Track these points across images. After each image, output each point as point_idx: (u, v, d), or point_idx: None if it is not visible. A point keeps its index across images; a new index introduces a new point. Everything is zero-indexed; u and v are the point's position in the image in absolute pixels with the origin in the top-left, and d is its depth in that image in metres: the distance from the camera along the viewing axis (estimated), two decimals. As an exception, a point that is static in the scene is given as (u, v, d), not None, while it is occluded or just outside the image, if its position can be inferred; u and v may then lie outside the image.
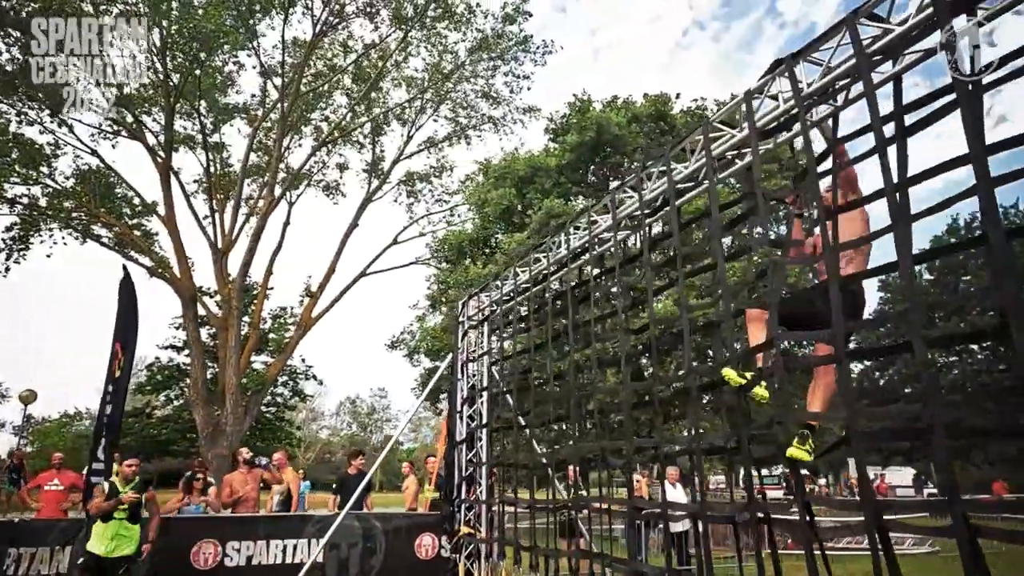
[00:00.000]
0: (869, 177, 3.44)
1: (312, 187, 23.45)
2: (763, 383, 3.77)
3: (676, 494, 9.85)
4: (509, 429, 8.54)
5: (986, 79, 3.02)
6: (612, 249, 6.25)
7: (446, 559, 8.98)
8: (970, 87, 3.00)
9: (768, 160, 4.81)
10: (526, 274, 7.82)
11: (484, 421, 9.07)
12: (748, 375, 3.84)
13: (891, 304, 29.23)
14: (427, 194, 23.83)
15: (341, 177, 23.84)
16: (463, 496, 8.79)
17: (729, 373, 3.84)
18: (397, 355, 24.50)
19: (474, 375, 9.49)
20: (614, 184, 20.18)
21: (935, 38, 3.39)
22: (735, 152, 4.71)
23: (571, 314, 6.52)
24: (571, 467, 9.12)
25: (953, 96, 3.07)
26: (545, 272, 7.37)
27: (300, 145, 22.70)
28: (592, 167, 20.19)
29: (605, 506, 5.89)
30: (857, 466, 3.19)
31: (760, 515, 3.77)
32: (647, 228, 5.42)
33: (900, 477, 33.24)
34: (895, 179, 3.23)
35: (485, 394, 9.20)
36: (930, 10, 3.26)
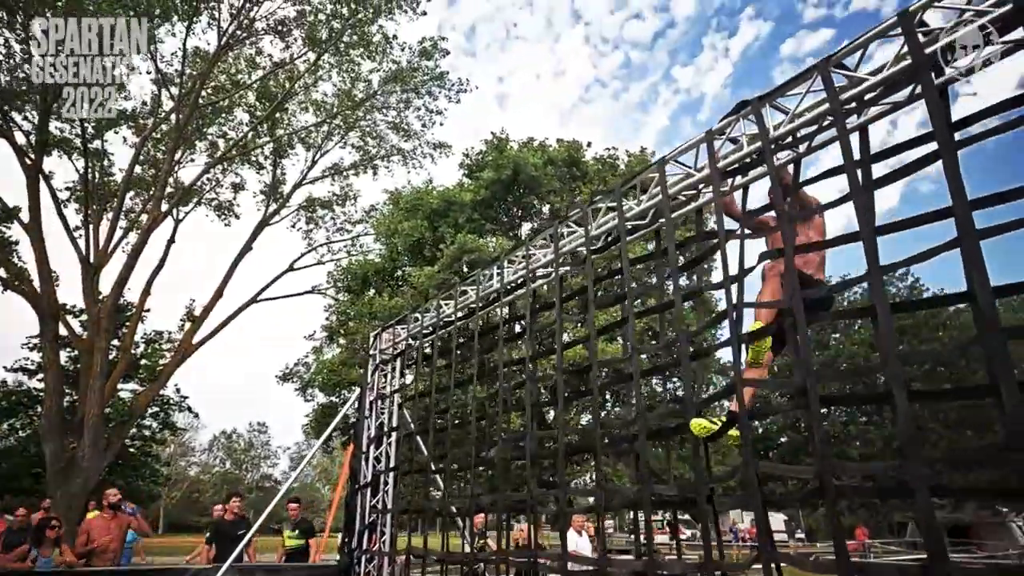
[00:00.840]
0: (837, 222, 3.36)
1: (203, 205, 21.88)
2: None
3: (582, 543, 9.50)
4: (419, 473, 7.94)
5: (962, 134, 3.03)
6: (548, 285, 5.99)
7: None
8: (952, 139, 2.99)
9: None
10: (449, 307, 7.39)
11: (392, 464, 8.41)
12: (718, 421, 3.63)
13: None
14: (328, 222, 22.96)
15: (235, 197, 22.45)
16: (364, 546, 8.03)
17: (698, 424, 3.60)
18: (286, 389, 22.98)
19: (383, 413, 8.84)
20: (535, 225, 20.27)
21: (906, 91, 3.42)
22: (690, 193, 4.61)
23: (500, 350, 6.15)
24: (477, 516, 8.60)
25: (933, 146, 3.05)
26: (472, 306, 6.97)
27: (193, 160, 21.20)
28: (506, 205, 20.19)
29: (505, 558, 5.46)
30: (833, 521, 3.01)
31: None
32: (591, 264, 5.20)
33: (772, 522, 34.88)
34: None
35: (394, 435, 8.57)
36: (905, 63, 3.27)
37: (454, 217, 18.97)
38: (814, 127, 3.80)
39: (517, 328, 6.73)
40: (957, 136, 3.00)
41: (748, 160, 4.10)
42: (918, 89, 3.30)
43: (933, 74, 3.14)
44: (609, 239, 5.35)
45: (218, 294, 19.66)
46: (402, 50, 19.71)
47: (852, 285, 3.32)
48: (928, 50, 3.15)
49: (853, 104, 3.54)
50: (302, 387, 20.56)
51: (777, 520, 36.37)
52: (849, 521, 31.64)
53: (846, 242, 3.30)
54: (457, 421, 7.13)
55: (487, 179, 18.84)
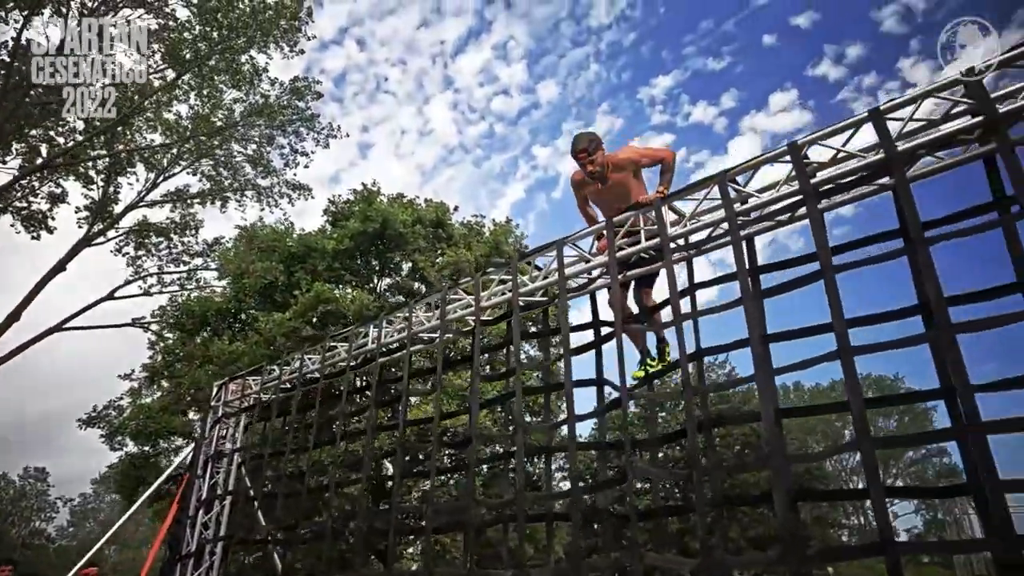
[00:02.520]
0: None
1: (9, 214, 19.09)
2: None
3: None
4: (258, 544, 7.18)
5: (841, 259, 3.43)
6: (429, 350, 5.83)
7: None
8: (831, 265, 3.36)
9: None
10: (314, 362, 6.92)
11: (223, 532, 7.52)
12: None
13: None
14: (163, 250, 20.90)
15: (52, 210, 19.83)
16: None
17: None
18: (84, 434, 19.94)
19: (218, 473, 7.94)
20: (395, 280, 19.85)
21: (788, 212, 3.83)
22: (581, 280, 4.77)
23: (373, 413, 5.82)
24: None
25: (816, 266, 3.41)
26: (342, 364, 6.57)
27: (4, 162, 18.56)
28: (367, 258, 19.64)
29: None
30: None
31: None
32: (479, 333, 5.14)
33: None
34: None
35: (229, 499, 7.70)
36: (793, 187, 3.68)
37: (313, 263, 18.10)
38: (706, 232, 4.12)
39: (392, 390, 6.46)
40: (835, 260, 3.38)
41: (647, 255, 4.34)
42: (801, 211, 3.71)
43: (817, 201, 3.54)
44: (500, 312, 5.36)
45: (14, 316, 17.05)
46: (272, 85, 19.01)
47: (740, 384, 3.54)
48: (813, 180, 3.56)
49: (743, 217, 3.90)
50: (110, 433, 18.01)
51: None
52: None
53: (739, 347, 3.55)
54: (310, 487, 6.56)
55: (352, 229, 18.28)
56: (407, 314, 5.91)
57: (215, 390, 8.37)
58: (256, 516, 7.60)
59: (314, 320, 16.86)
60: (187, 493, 7.96)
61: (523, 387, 4.58)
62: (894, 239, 3.37)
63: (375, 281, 20.74)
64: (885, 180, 3.49)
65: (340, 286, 18.61)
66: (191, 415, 18.29)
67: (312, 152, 20.26)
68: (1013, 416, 2.67)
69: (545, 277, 4.90)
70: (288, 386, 7.21)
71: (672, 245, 4.21)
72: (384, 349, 6.10)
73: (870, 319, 3.24)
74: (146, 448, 17.95)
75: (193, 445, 8.00)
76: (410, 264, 20.01)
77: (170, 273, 21.01)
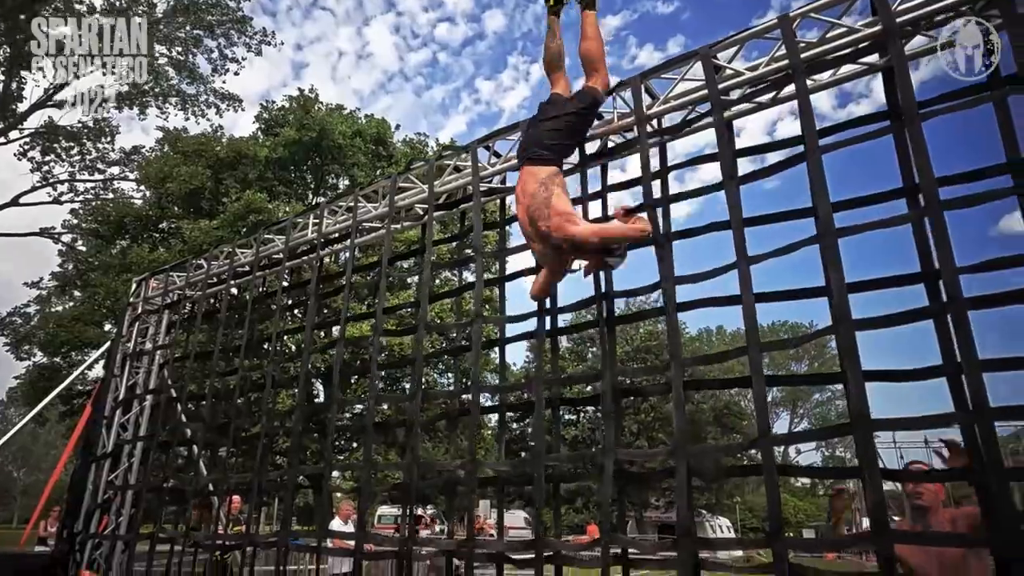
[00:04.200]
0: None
1: None
2: None
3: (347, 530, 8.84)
4: (182, 447, 6.81)
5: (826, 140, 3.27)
6: (373, 243, 5.46)
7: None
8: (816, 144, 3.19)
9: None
10: (246, 256, 6.42)
11: (142, 433, 7.09)
12: None
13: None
14: (75, 156, 19.17)
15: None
16: (91, 529, 6.62)
17: None
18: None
19: (137, 373, 7.44)
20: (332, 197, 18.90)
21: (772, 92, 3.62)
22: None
23: (312, 309, 5.44)
24: (236, 498, 7.59)
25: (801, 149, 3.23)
26: (277, 257, 6.11)
27: None
28: (303, 171, 18.62)
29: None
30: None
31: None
32: (432, 222, 4.81)
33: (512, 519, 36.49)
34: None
35: (149, 399, 7.24)
36: (783, 63, 3.45)
37: (243, 171, 17.01)
38: (686, 110, 3.88)
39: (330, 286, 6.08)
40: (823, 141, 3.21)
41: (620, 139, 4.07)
42: (786, 91, 3.50)
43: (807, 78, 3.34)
44: (451, 200, 5.02)
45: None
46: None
47: (716, 275, 3.38)
48: (804, 55, 3.35)
49: (724, 98, 3.66)
50: (15, 342, 16.77)
51: (517, 518, 38.15)
52: (581, 518, 34.47)
53: (714, 230, 3.37)
54: (242, 388, 6.19)
55: (287, 137, 17.19)
56: (351, 202, 5.49)
57: (134, 286, 7.74)
58: (180, 418, 7.18)
59: (243, 231, 15.98)
60: (102, 394, 7.43)
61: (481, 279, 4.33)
62: (881, 121, 3.21)
63: (310, 197, 19.79)
64: (874, 59, 3.32)
65: (274, 198, 17.65)
66: (108, 327, 17.28)
67: (243, 59, 18.78)
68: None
69: (506, 162, 4.58)
70: (216, 281, 6.70)
71: (648, 129, 3.96)
72: (325, 240, 5.68)
73: (854, 202, 3.08)
74: (56, 359, 16.90)
75: (109, 343, 7.41)
76: (348, 181, 19.16)
77: (83, 181, 19.38)
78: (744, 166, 3.55)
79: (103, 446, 6.95)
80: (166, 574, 5.98)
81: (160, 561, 6.22)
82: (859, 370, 2.75)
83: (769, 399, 3.53)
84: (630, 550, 3.37)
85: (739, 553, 17.41)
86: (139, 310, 7.47)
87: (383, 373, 15.55)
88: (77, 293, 18.11)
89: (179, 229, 15.86)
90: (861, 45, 3.28)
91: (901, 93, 2.99)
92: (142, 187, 18.82)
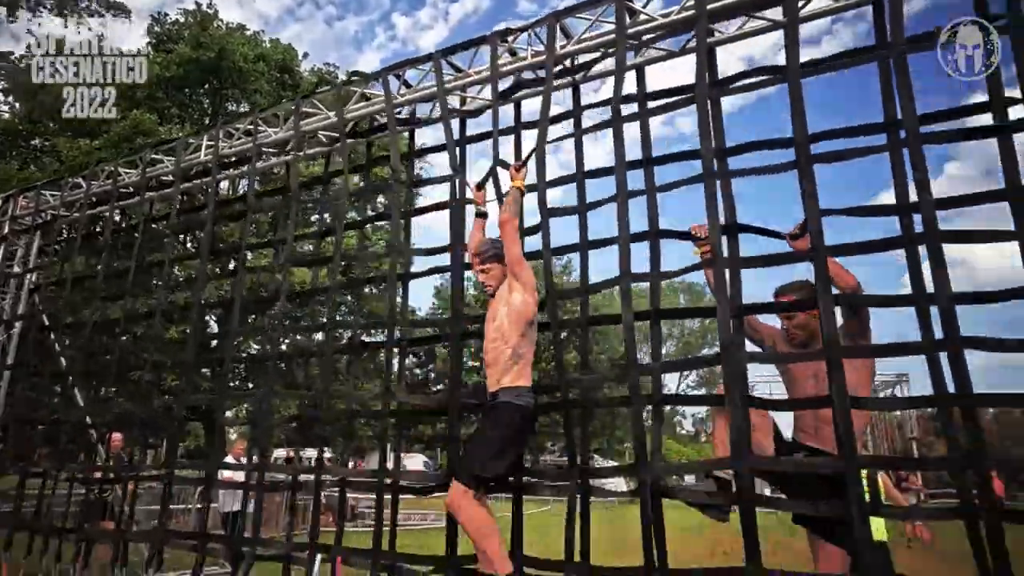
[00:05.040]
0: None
1: None
2: None
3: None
4: (54, 378, 6.36)
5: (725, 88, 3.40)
6: (277, 169, 5.20)
7: None
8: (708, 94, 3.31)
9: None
10: (131, 176, 5.95)
11: (9, 362, 6.57)
12: None
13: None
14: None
15: None
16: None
17: None
18: None
19: (2, 299, 6.84)
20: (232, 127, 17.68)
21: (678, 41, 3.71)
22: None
23: (209, 230, 5.15)
24: (116, 436, 7.21)
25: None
26: (168, 178, 5.71)
27: None
28: (198, 94, 17.28)
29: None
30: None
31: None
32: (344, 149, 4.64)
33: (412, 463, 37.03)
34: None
35: (17, 326, 6.70)
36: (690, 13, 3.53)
37: (131, 88, 15.58)
38: (597, 54, 3.91)
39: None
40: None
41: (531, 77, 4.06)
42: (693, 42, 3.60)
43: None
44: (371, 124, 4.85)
45: None
46: None
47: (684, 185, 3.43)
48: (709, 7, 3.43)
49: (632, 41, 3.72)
50: None
51: (417, 462, 38.58)
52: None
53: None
54: (125, 317, 5.81)
55: (182, 55, 15.81)
56: (250, 125, 5.19)
57: (0, 203, 7.03)
58: (52, 347, 6.70)
59: (128, 152, 14.73)
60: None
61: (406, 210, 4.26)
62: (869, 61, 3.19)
63: (206, 122, 18.44)
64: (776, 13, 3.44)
65: (164, 121, 16.32)
66: None
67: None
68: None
69: (415, 92, 4.46)
70: (95, 202, 6.18)
71: (557, 68, 3.97)
72: (221, 163, 5.35)
73: (835, 133, 3.12)
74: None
75: (-32, 265, 6.74)
76: (248, 108, 17.96)
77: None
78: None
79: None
80: (37, 513, 5.67)
81: (31, 502, 5.89)
82: (727, 304, 2.98)
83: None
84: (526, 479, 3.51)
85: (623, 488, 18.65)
86: (5, 230, 6.81)
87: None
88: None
89: (54, 147, 14.39)
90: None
91: (890, 26, 3.03)
92: (10, 98, 16.89)
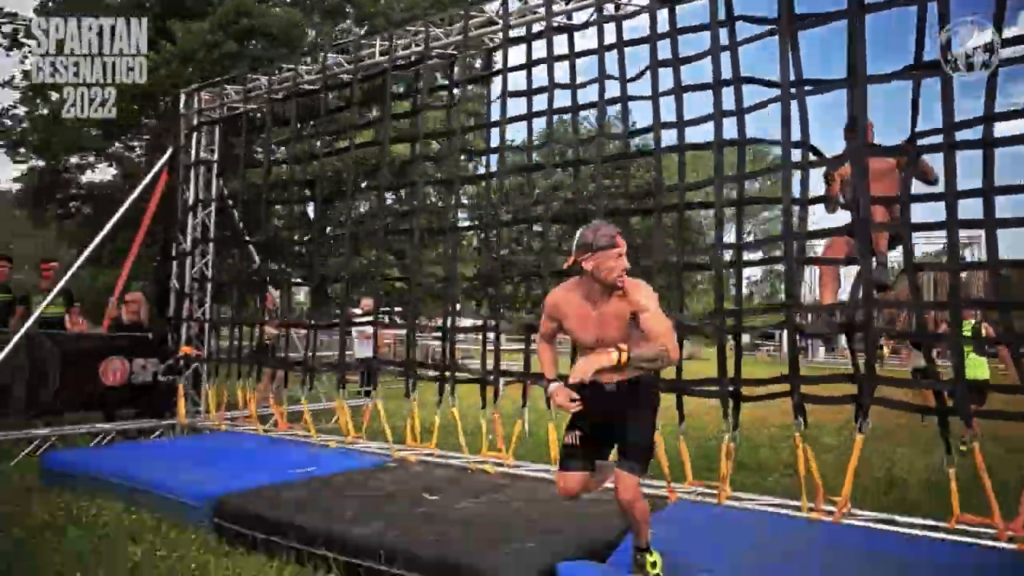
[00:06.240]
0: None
1: None
2: None
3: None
4: (248, 244, 7.83)
5: None
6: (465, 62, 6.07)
7: (142, 384, 7.90)
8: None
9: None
10: (309, 75, 6.91)
11: (211, 235, 7.98)
12: None
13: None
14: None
15: None
16: (183, 314, 7.76)
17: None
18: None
19: (199, 180, 8.09)
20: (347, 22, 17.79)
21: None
22: None
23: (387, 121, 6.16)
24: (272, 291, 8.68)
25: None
26: (344, 76, 6.64)
27: None
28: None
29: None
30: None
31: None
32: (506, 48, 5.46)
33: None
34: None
35: (214, 204, 8.02)
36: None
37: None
38: None
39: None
40: None
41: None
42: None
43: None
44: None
45: None
46: None
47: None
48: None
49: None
50: (12, 144, 16.56)
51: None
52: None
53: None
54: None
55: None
56: (422, 26, 5.98)
57: (183, 98, 8.15)
58: (236, 221, 8.01)
59: (234, 36, 15.34)
60: (166, 200, 8.18)
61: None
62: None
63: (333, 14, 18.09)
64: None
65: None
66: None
67: None
68: None
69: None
70: (279, 96, 7.18)
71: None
72: (394, 64, 6.22)
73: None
74: (53, 163, 16.92)
75: (169, 153, 8.00)
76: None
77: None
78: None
79: (183, 245, 7.85)
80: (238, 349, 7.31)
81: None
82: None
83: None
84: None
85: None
86: (194, 121, 7.96)
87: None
88: (56, 95, 17.52)
89: (165, 29, 15.15)
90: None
91: None
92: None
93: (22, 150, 16.75)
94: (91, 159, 18.06)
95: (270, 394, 7.47)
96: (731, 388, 4.17)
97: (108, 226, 7.44)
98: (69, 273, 7.32)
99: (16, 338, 6.52)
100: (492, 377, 5.35)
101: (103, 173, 19.94)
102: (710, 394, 4.36)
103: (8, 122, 16.85)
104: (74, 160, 17.56)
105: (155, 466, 4.96)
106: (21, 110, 16.97)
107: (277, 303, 8.18)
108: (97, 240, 7.49)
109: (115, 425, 7.12)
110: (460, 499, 4.08)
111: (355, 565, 3.20)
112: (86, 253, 7.55)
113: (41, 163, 16.94)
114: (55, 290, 7.34)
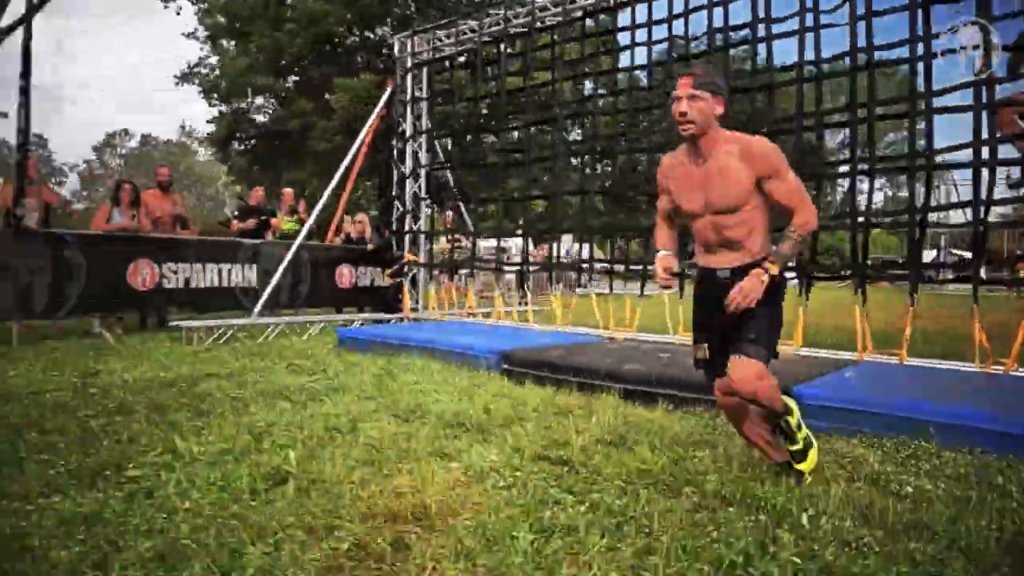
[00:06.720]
0: None
1: None
2: None
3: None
4: (463, 168, 9.26)
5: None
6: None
7: (365, 287, 9.75)
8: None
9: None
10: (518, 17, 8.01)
11: (423, 162, 9.43)
12: None
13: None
14: None
15: None
16: (406, 228, 9.36)
17: None
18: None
19: (415, 116, 9.50)
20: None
21: None
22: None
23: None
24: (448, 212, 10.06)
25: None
26: (552, 20, 7.72)
27: None
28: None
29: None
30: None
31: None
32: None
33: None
34: None
35: (423, 137, 9.43)
36: None
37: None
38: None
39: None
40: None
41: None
42: None
43: None
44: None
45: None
46: None
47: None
48: None
49: None
50: (207, 90, 18.99)
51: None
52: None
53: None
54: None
55: None
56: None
57: (397, 44, 9.54)
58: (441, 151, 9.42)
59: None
60: (394, 130, 9.57)
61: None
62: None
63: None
64: None
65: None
66: (283, 79, 18.87)
67: None
68: None
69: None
70: (488, 39, 8.36)
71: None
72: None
73: None
74: (241, 106, 19.28)
75: (389, 91, 9.44)
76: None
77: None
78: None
79: (406, 168, 9.38)
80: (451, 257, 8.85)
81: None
82: None
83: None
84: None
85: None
86: (409, 63, 9.34)
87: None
88: (233, 44, 19.60)
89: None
90: None
91: None
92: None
93: (215, 96, 19.19)
94: (260, 101, 20.11)
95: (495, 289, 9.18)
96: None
97: (351, 153, 9.09)
98: (322, 201, 8.99)
99: (294, 246, 8.38)
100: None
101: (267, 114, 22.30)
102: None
103: (204, 71, 19.28)
104: (259, 101, 19.81)
105: (430, 333, 6.56)
106: (214, 60, 19.30)
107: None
108: (344, 165, 9.11)
109: (362, 316, 8.98)
110: (680, 359, 5.24)
111: (631, 391, 4.44)
112: (336, 178, 9.15)
113: (225, 107, 19.35)
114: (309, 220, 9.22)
